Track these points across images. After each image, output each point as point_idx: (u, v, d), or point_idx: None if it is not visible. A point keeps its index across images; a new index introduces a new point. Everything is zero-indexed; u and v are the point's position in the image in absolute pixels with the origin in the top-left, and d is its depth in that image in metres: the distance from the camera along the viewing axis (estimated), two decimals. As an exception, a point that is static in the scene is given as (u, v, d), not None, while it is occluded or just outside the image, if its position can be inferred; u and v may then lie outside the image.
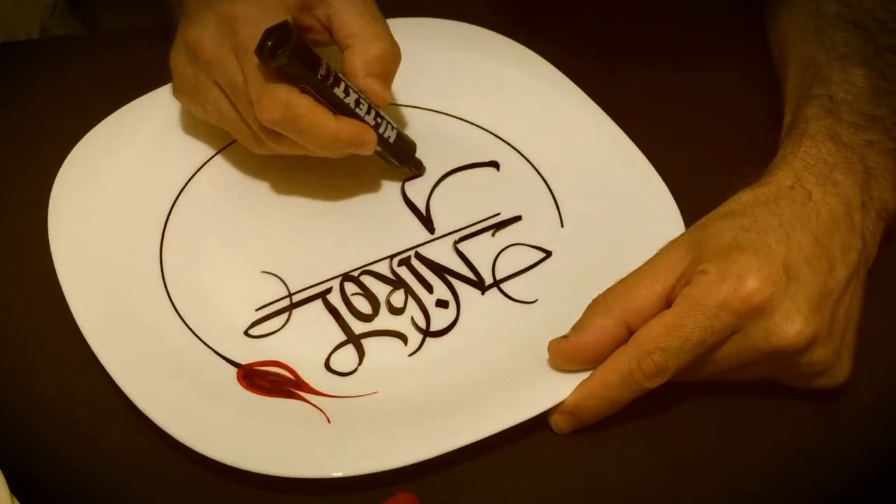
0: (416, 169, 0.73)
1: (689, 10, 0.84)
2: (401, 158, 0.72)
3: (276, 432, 0.60)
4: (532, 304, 0.68)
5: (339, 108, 0.66)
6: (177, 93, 0.70)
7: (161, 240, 0.69)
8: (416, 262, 0.69)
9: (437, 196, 0.73)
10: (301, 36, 0.64)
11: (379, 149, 0.69)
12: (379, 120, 0.68)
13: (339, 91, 0.66)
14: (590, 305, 0.62)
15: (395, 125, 0.70)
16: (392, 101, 0.74)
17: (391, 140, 0.70)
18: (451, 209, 0.72)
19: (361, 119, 0.67)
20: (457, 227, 0.71)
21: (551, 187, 0.73)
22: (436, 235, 0.71)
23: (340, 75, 0.66)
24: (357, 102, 0.67)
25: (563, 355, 0.61)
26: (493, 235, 0.71)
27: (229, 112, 0.67)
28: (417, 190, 0.73)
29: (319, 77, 0.64)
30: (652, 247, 0.63)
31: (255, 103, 0.64)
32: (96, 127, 0.72)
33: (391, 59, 0.68)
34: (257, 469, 0.58)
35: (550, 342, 0.62)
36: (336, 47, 0.69)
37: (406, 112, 0.76)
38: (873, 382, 0.64)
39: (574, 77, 0.77)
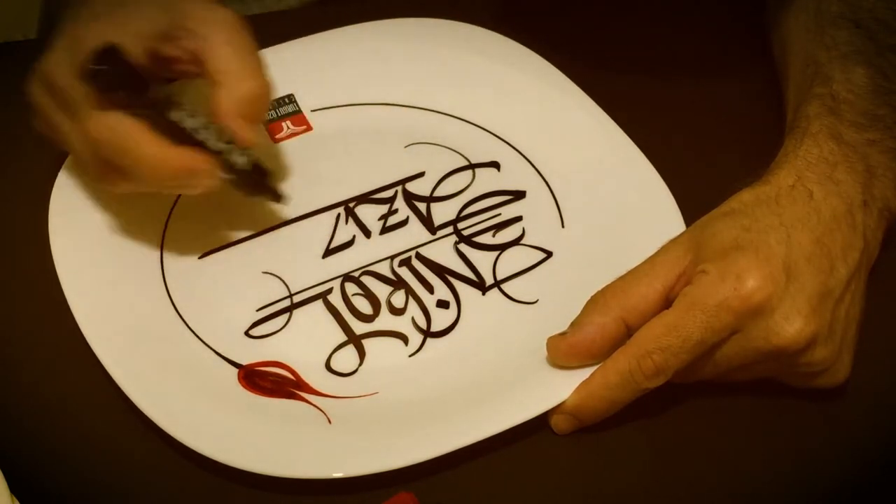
0: (275, 197, 0.69)
1: (690, 10, 0.84)
2: (250, 188, 0.67)
3: (277, 432, 0.60)
4: (533, 305, 0.68)
5: (179, 136, 0.62)
6: (36, 126, 0.67)
7: (162, 240, 0.69)
8: (416, 263, 0.69)
9: (438, 196, 0.73)
10: (128, 60, 0.60)
11: (229, 177, 0.65)
12: (228, 145, 0.64)
13: (175, 115, 0.62)
14: (588, 302, 0.62)
15: (248, 152, 0.65)
16: (383, 102, 0.74)
17: (237, 167, 0.65)
18: (452, 209, 0.72)
19: (204, 147, 0.63)
20: (457, 228, 0.71)
21: (551, 187, 0.73)
22: (436, 236, 0.71)
23: (179, 100, 0.62)
24: (201, 128, 0.63)
25: (561, 352, 0.61)
26: (493, 235, 0.71)
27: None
28: (418, 190, 0.73)
29: (147, 102, 0.61)
30: (652, 247, 0.63)
31: (83, 125, 0.62)
32: (96, 127, 0.72)
33: (261, 99, 0.65)
34: (257, 469, 0.58)
35: (549, 339, 0.62)
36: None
37: (406, 112, 0.76)
38: (873, 382, 0.64)
39: (574, 77, 0.77)
